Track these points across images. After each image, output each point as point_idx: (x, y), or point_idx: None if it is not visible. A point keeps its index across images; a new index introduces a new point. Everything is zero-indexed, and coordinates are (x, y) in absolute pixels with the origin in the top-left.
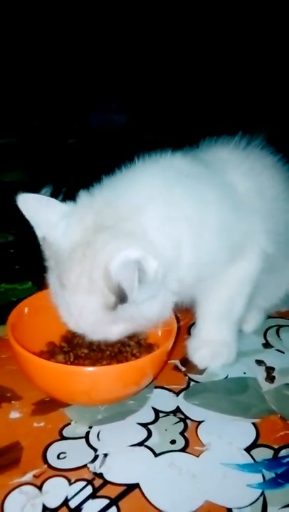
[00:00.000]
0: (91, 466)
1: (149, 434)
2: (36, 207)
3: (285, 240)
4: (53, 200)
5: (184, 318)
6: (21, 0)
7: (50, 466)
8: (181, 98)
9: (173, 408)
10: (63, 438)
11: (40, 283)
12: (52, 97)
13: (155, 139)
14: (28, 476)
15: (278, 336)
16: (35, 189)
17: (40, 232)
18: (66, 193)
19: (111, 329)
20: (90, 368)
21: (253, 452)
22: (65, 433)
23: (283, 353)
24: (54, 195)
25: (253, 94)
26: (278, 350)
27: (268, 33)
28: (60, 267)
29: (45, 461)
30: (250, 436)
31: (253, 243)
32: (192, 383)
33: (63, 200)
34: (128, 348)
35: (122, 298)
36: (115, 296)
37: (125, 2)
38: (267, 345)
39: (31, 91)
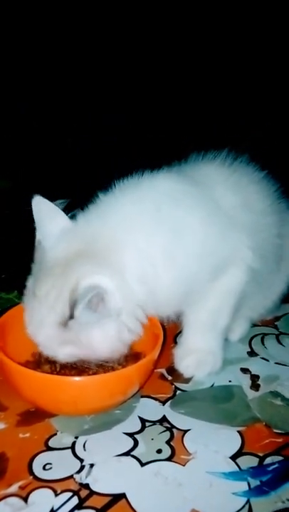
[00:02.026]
0: (77, 477)
1: (136, 444)
2: (46, 213)
3: (271, 254)
4: (62, 213)
5: (171, 327)
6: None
7: (35, 478)
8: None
9: (159, 417)
10: (49, 449)
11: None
12: (50, 98)
13: (154, 137)
14: (14, 488)
15: (263, 344)
16: (20, 197)
17: (39, 235)
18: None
19: (59, 349)
20: (77, 378)
21: (238, 460)
22: (51, 443)
23: (268, 361)
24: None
25: (237, 109)
26: (263, 359)
27: (248, 51)
28: (38, 275)
29: (31, 472)
30: (236, 444)
31: (239, 259)
32: (178, 392)
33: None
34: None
35: (71, 312)
36: (70, 310)
37: (125, 3)
38: (252, 353)
39: (29, 93)
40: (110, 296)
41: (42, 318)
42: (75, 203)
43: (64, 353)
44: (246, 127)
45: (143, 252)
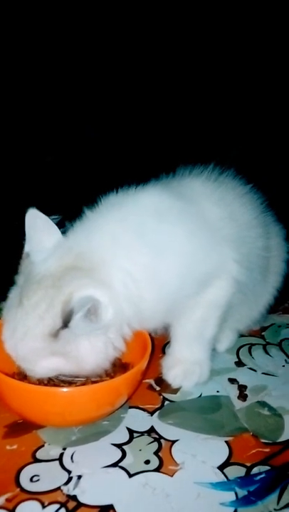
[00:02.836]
0: (65, 489)
1: (124, 455)
2: (40, 226)
3: (257, 266)
4: (56, 228)
5: (159, 337)
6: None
7: (22, 490)
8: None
9: (147, 428)
10: (36, 460)
11: None
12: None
13: (132, 160)
14: (0, 500)
15: (250, 355)
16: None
17: (28, 247)
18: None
19: (40, 362)
20: (64, 389)
21: (226, 470)
22: (38, 455)
23: (255, 371)
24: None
25: (221, 121)
26: (250, 369)
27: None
28: (26, 285)
29: (18, 484)
30: (223, 454)
31: (224, 272)
32: (166, 402)
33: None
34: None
35: (65, 322)
36: (63, 320)
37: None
38: (239, 363)
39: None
40: (104, 309)
41: (27, 330)
42: (66, 219)
43: (44, 367)
44: (232, 142)
45: (126, 270)
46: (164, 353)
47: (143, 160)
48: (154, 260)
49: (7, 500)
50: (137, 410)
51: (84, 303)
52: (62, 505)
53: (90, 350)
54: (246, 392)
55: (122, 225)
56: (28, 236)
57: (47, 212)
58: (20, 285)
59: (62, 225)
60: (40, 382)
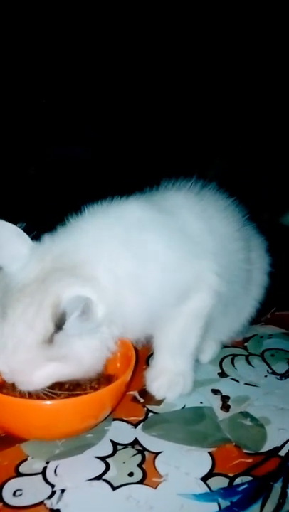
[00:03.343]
0: (48, 503)
1: (107, 468)
2: (8, 236)
3: (238, 278)
4: (25, 235)
5: (143, 349)
6: None
7: (5, 505)
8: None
9: (131, 440)
10: (19, 474)
11: None
12: (12, 128)
13: (117, 173)
14: None
15: (233, 365)
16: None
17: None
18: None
19: (37, 371)
20: (48, 402)
21: (209, 481)
22: (21, 469)
23: (238, 381)
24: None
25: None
26: (233, 379)
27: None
28: (7, 297)
29: (1, 498)
30: (206, 465)
31: (205, 284)
32: (150, 414)
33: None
34: (86, 380)
35: (59, 325)
36: (56, 323)
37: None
38: (222, 374)
39: None
40: (95, 307)
41: (18, 342)
42: (34, 226)
43: (41, 376)
44: (214, 155)
45: (110, 269)
46: (147, 364)
47: (127, 173)
48: (137, 267)
49: None
50: (121, 422)
51: (75, 303)
52: None
53: (86, 349)
54: (229, 403)
55: (106, 232)
56: None
57: (13, 220)
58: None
59: (29, 233)
60: (23, 395)
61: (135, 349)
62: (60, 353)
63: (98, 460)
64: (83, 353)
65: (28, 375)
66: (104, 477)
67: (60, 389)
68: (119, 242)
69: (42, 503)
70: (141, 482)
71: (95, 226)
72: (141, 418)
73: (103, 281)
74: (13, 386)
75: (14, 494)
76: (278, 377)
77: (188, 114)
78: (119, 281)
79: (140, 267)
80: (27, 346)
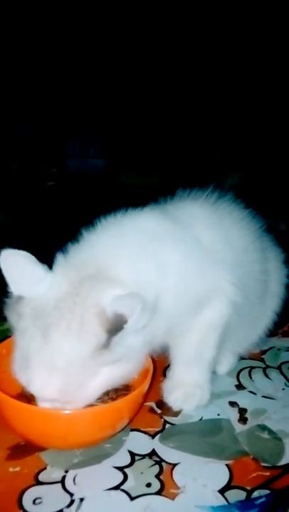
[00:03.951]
0: (67, 511)
1: (125, 478)
2: (22, 263)
3: (254, 289)
4: (33, 257)
5: (160, 360)
6: None
7: None
8: (157, 142)
9: (148, 451)
10: (39, 483)
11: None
12: (31, 139)
13: (132, 183)
14: None
15: (250, 378)
16: (13, 230)
17: (17, 290)
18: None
19: (91, 384)
20: (66, 411)
21: (226, 494)
22: (40, 478)
23: (255, 394)
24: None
25: (224, 145)
26: (251, 392)
27: (233, 86)
28: (43, 320)
29: (21, 506)
30: (224, 477)
31: (220, 294)
32: (167, 425)
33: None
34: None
35: (118, 326)
36: (110, 328)
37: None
38: (240, 386)
39: (12, 131)
40: (141, 296)
41: (71, 354)
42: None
43: (97, 385)
44: (232, 166)
45: (134, 281)
46: (164, 376)
47: (142, 183)
48: (156, 276)
49: None
50: (139, 433)
51: (131, 302)
52: None
53: (138, 345)
54: (246, 416)
55: (123, 241)
56: (12, 277)
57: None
58: (27, 326)
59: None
60: None
61: (152, 360)
62: (117, 354)
63: (116, 470)
64: (136, 349)
65: (84, 389)
66: (122, 487)
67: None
68: (137, 252)
69: (61, 511)
70: (159, 493)
71: (110, 237)
72: (158, 429)
73: (129, 282)
74: (33, 395)
75: (34, 502)
76: None
77: (205, 124)
78: (141, 288)
79: (159, 277)
80: (80, 358)
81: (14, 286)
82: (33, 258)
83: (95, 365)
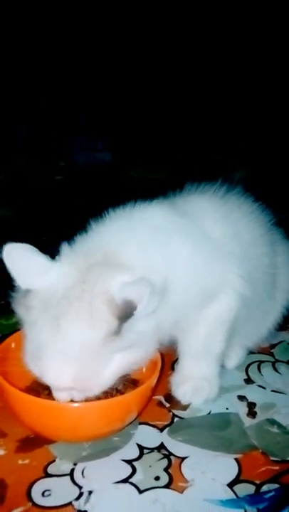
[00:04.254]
0: (76, 504)
1: (134, 471)
2: (25, 255)
3: (263, 283)
4: (35, 249)
5: (168, 354)
6: None
7: (34, 504)
8: (164, 136)
9: (157, 444)
10: (48, 475)
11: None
12: (39, 134)
13: (140, 176)
14: None
15: (259, 372)
16: (22, 225)
17: (24, 284)
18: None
19: (106, 370)
20: (75, 404)
21: (235, 488)
22: (49, 470)
23: (264, 388)
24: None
25: (232, 138)
26: (260, 386)
27: (244, 80)
28: (52, 310)
29: (30, 498)
30: (233, 471)
31: (229, 287)
32: (176, 419)
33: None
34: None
35: (128, 313)
36: (120, 314)
37: (104, 37)
38: (249, 380)
39: (20, 127)
40: (150, 281)
41: (83, 342)
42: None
43: (111, 371)
44: (240, 159)
45: (144, 267)
46: (173, 369)
47: (150, 176)
48: (165, 268)
49: None
50: (147, 427)
51: (141, 288)
52: None
53: (150, 330)
54: (255, 410)
55: (132, 232)
56: (17, 271)
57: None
58: (37, 318)
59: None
60: (52, 397)
61: (160, 354)
62: (129, 340)
63: (125, 463)
64: (148, 335)
65: (99, 376)
66: (130, 480)
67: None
68: (146, 242)
69: (70, 504)
70: (167, 486)
71: (119, 227)
72: (167, 423)
73: (139, 268)
74: (41, 388)
75: (43, 494)
76: None
77: (213, 118)
78: (149, 274)
79: (167, 267)
80: (93, 345)
81: (21, 280)
82: (35, 250)
83: (107, 351)
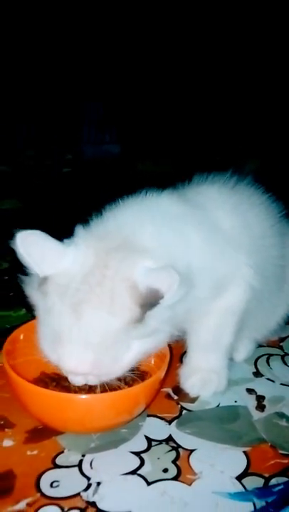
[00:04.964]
0: (84, 495)
1: (142, 463)
2: (39, 241)
3: (272, 274)
4: (48, 235)
5: (176, 346)
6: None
7: (43, 495)
8: (172, 128)
9: (165, 436)
10: (56, 466)
11: (34, 310)
12: (47, 126)
13: (147, 169)
14: (22, 505)
15: (268, 365)
16: (30, 217)
17: (40, 271)
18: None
19: (126, 355)
20: (84, 396)
21: (244, 481)
22: (58, 461)
23: (273, 381)
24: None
25: (242, 129)
26: (268, 379)
27: (252, 73)
28: (71, 296)
29: (39, 489)
30: (241, 464)
31: (239, 278)
32: (184, 411)
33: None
34: (121, 376)
35: (152, 301)
36: (143, 302)
37: (112, 29)
38: (257, 374)
39: (27, 120)
40: (175, 269)
41: (105, 328)
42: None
43: (130, 356)
44: (251, 151)
45: (159, 257)
46: (181, 362)
47: (160, 167)
48: (183, 252)
49: (28, 504)
50: (155, 419)
51: (156, 274)
52: (82, 511)
53: (171, 318)
54: (264, 403)
55: (147, 218)
56: (32, 258)
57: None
58: (55, 304)
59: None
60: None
61: (169, 347)
62: (150, 328)
63: (133, 455)
64: (168, 322)
65: (118, 362)
66: (138, 472)
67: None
68: (161, 227)
69: (78, 494)
70: (175, 478)
71: (134, 212)
72: (175, 415)
73: (160, 257)
74: (49, 380)
75: (51, 485)
76: None
77: (225, 110)
78: (172, 260)
79: (184, 251)
80: (114, 330)
81: (36, 266)
82: (48, 236)
83: (127, 338)
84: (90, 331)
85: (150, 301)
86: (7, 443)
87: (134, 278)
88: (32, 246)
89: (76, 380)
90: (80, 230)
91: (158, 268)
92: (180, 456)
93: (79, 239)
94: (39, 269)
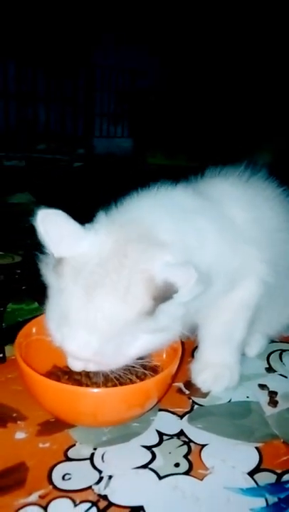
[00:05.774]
0: (96, 488)
1: (153, 457)
2: (59, 221)
3: (285, 269)
4: (69, 216)
5: (188, 341)
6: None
7: (55, 487)
8: (185, 122)
9: (177, 431)
10: (68, 459)
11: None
12: (59, 121)
13: (159, 163)
14: (34, 497)
15: (281, 361)
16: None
17: (56, 251)
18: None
19: (128, 349)
20: (96, 389)
21: (256, 476)
22: (70, 454)
23: (286, 377)
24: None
25: (255, 123)
26: (281, 375)
27: (263, 68)
28: (85, 278)
29: (51, 481)
30: (254, 460)
31: (252, 272)
32: (196, 406)
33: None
34: (133, 370)
35: (167, 295)
36: (157, 295)
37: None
38: (270, 369)
39: (39, 114)
40: (193, 266)
41: (114, 313)
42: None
43: (133, 351)
44: (266, 140)
45: (180, 251)
46: (193, 357)
47: (172, 161)
48: (198, 244)
49: (40, 497)
50: (167, 413)
51: (174, 269)
52: (94, 504)
53: (181, 316)
54: (277, 399)
55: (166, 211)
56: (51, 237)
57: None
58: (65, 286)
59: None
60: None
61: (181, 341)
62: (161, 323)
63: (144, 449)
64: (178, 319)
65: (121, 353)
66: (150, 466)
67: (107, 378)
68: (179, 221)
69: (90, 487)
70: (187, 473)
71: (153, 204)
72: (186, 410)
73: (180, 251)
74: (61, 373)
75: (63, 478)
76: None
77: (238, 101)
78: (192, 256)
79: (199, 243)
80: (123, 321)
81: (53, 247)
82: (70, 217)
83: (136, 330)
84: (99, 315)
85: (164, 294)
86: (19, 435)
87: (153, 271)
88: (51, 225)
89: (75, 365)
90: (102, 217)
91: (178, 263)
92: (192, 450)
93: (100, 225)
94: (56, 250)
